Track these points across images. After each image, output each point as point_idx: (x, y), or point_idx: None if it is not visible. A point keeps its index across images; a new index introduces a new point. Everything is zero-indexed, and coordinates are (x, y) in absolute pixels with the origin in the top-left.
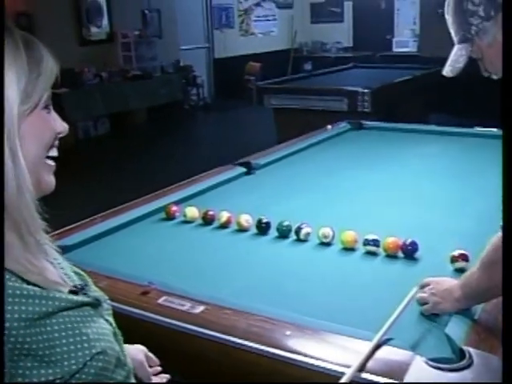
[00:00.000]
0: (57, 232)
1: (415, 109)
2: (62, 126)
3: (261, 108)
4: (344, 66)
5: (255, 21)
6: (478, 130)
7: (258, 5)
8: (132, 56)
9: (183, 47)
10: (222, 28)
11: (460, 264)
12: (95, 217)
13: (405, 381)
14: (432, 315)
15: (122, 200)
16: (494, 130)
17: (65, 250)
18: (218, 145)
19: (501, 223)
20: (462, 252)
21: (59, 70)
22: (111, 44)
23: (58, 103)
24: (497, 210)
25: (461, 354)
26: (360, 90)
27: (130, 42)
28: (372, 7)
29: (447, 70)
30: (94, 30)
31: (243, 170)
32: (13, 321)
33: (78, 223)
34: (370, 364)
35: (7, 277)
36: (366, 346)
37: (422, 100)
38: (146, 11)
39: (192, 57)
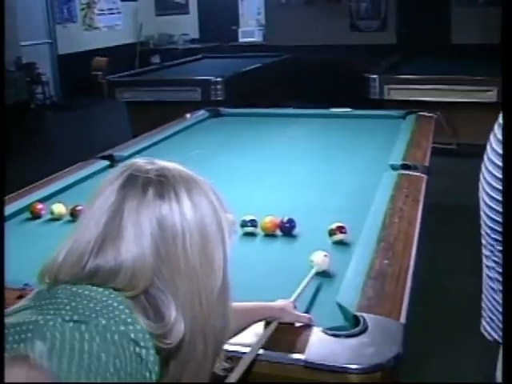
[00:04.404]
0: None
1: (269, 95)
2: None
3: (114, 103)
4: (194, 57)
5: (99, 14)
6: (334, 110)
7: None
8: None
9: (24, 43)
10: (65, 23)
11: (338, 236)
12: None
13: (307, 352)
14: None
15: None
16: (348, 109)
17: None
18: (74, 144)
19: None
20: (340, 224)
21: None
22: None
23: None
24: (364, 187)
25: (355, 321)
26: (213, 78)
27: None
28: None
29: None
30: None
31: (107, 163)
32: None
33: None
34: (271, 341)
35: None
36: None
37: (275, 86)
38: None
39: (35, 53)
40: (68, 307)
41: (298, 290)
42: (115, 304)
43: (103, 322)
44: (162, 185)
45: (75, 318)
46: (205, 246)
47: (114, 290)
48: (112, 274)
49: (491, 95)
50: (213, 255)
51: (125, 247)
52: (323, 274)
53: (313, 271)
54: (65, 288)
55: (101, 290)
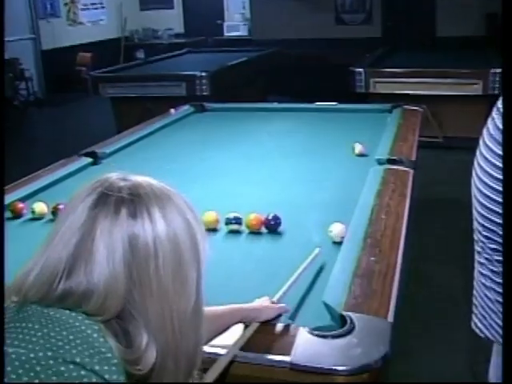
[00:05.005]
0: None
1: (255, 90)
2: None
3: (98, 99)
4: (179, 52)
5: (82, 9)
6: (319, 104)
7: None
8: None
9: (6, 39)
10: (48, 18)
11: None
12: None
13: (293, 353)
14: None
15: None
16: (333, 103)
17: None
18: (59, 140)
19: None
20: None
21: None
22: None
23: None
24: (351, 182)
25: (342, 320)
26: (197, 73)
27: None
28: None
29: None
30: None
31: (89, 160)
32: None
33: None
34: (255, 343)
35: None
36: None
37: (260, 81)
38: None
39: (18, 49)
40: (39, 333)
41: (292, 279)
42: (89, 331)
43: (77, 359)
44: (135, 204)
45: (47, 346)
46: (178, 266)
47: (86, 313)
48: (85, 297)
49: (477, 88)
50: (186, 276)
51: (97, 270)
52: (309, 272)
53: (313, 254)
54: (36, 309)
55: (74, 314)
